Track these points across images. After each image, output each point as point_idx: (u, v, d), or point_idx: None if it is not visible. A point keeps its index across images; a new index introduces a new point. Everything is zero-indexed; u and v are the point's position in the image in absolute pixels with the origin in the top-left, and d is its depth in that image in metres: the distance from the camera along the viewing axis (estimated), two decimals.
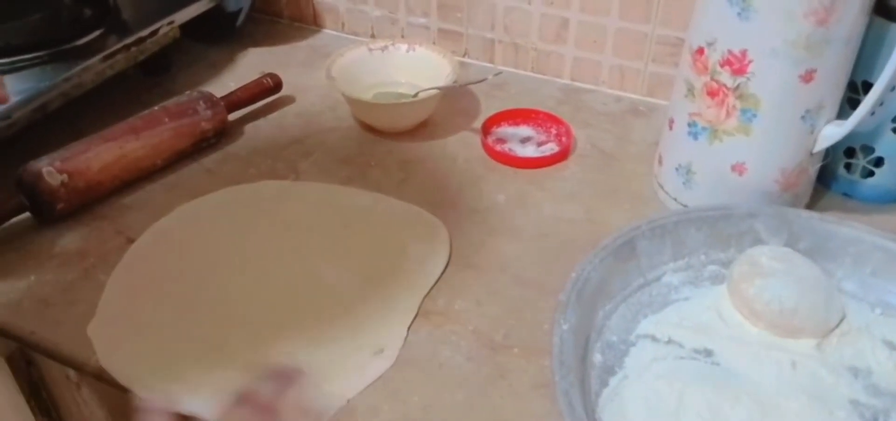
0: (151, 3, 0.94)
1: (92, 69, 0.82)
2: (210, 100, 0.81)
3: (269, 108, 0.90)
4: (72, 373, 0.66)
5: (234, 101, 0.86)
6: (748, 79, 0.62)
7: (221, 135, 0.83)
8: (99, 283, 0.64)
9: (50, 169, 0.69)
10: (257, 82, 0.89)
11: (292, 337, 0.59)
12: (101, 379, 0.58)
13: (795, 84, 0.61)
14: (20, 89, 0.76)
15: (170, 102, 0.80)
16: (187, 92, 0.82)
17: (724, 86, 0.63)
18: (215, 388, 0.55)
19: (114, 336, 0.59)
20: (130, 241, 0.68)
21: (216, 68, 0.97)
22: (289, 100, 0.92)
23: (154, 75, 0.93)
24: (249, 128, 0.86)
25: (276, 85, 0.90)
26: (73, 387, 0.68)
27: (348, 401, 0.55)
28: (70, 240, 0.69)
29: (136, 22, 0.89)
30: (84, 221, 0.70)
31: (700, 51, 0.64)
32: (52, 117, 0.78)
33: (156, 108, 0.78)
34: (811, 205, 0.73)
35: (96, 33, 0.86)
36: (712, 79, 0.64)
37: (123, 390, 0.57)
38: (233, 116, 0.88)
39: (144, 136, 0.75)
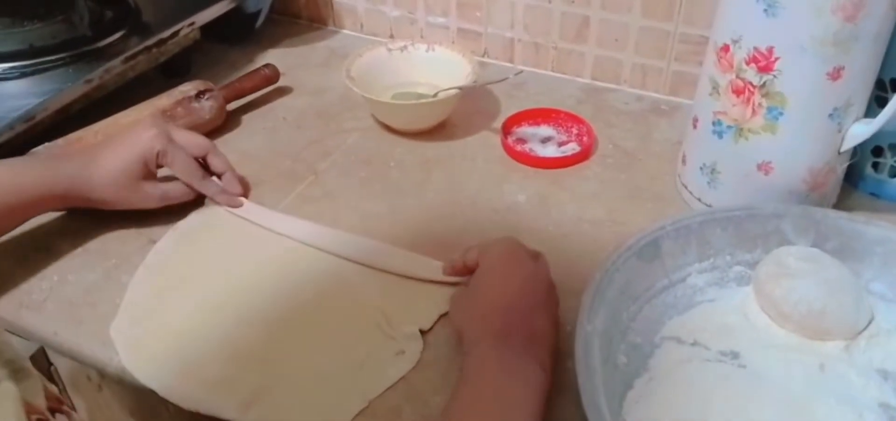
0: (172, 5, 0.94)
1: (113, 71, 0.82)
2: (208, 89, 0.83)
3: (288, 109, 0.90)
4: (93, 374, 0.66)
5: (233, 91, 0.87)
6: (775, 76, 0.61)
7: (221, 125, 0.85)
8: (121, 284, 0.64)
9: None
10: (255, 73, 0.91)
11: (314, 337, 0.59)
12: (123, 380, 0.58)
13: (823, 81, 0.60)
14: (43, 91, 0.77)
15: (165, 94, 0.81)
16: (184, 83, 0.83)
17: (750, 84, 0.62)
18: (236, 388, 0.55)
19: (136, 337, 0.59)
20: (152, 241, 0.69)
21: (236, 69, 0.97)
22: (307, 101, 0.92)
23: (174, 76, 0.93)
24: (268, 129, 0.86)
25: (274, 75, 0.92)
26: (94, 388, 0.68)
27: (369, 402, 0.54)
28: (92, 240, 0.69)
29: (157, 23, 0.90)
30: (105, 222, 0.71)
31: (725, 48, 0.63)
32: (74, 118, 0.78)
33: (154, 99, 0.80)
34: (838, 204, 0.72)
35: (118, 35, 0.87)
36: (738, 76, 0.63)
37: (145, 391, 0.57)
38: (249, 115, 0.88)
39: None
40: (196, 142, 0.71)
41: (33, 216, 0.67)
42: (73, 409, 0.44)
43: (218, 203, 0.72)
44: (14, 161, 0.67)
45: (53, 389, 0.44)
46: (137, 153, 0.66)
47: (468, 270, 0.59)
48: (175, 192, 0.70)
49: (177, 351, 0.58)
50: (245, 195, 0.74)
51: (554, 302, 0.57)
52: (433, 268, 0.64)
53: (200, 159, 0.72)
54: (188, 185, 0.71)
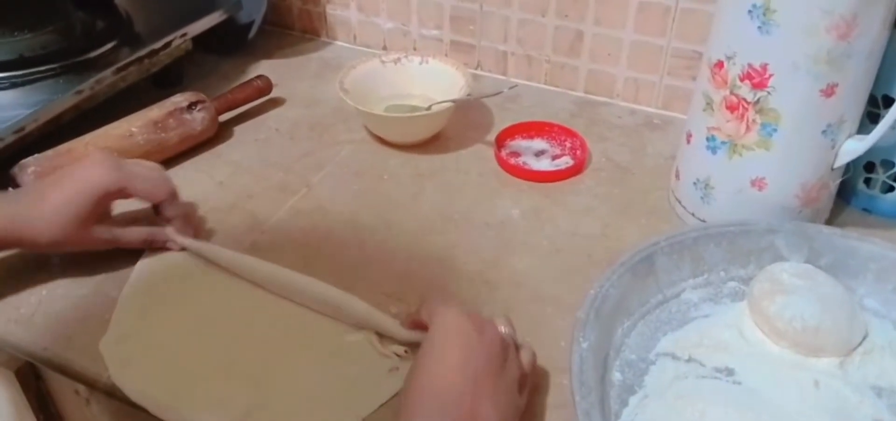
0: (164, 16, 0.94)
1: (104, 81, 0.82)
2: (200, 100, 0.82)
3: (281, 121, 0.90)
4: (81, 388, 0.66)
5: (225, 102, 0.87)
6: (769, 93, 0.61)
7: (213, 137, 0.84)
8: (111, 298, 0.63)
9: (20, 167, 0.71)
10: (247, 84, 0.90)
11: (306, 354, 0.58)
12: (113, 395, 0.57)
13: (816, 98, 0.60)
14: (33, 101, 0.76)
15: (156, 105, 0.80)
16: (176, 95, 0.82)
17: (744, 100, 0.62)
18: (228, 405, 0.54)
19: (125, 354, 0.58)
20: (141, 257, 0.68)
21: (228, 80, 0.97)
22: (300, 113, 0.92)
23: (166, 87, 0.92)
24: (261, 140, 0.86)
25: (266, 87, 0.91)
26: (82, 402, 0.67)
27: (362, 420, 0.54)
28: (81, 254, 0.68)
29: (148, 34, 0.89)
30: None
31: (719, 64, 0.63)
32: (65, 129, 0.77)
33: (145, 110, 0.80)
34: (830, 220, 0.72)
35: (109, 46, 0.86)
36: (732, 93, 0.63)
37: (134, 407, 0.56)
38: (242, 127, 0.88)
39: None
40: (153, 175, 0.66)
41: None
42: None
43: (180, 234, 0.67)
44: None
45: None
46: (91, 190, 0.61)
47: (424, 327, 0.54)
48: (128, 237, 0.66)
49: (168, 368, 0.57)
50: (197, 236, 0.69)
51: (506, 378, 0.50)
52: (391, 324, 0.58)
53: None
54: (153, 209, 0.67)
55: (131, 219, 0.69)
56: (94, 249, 0.65)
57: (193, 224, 0.70)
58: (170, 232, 0.67)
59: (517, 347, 0.53)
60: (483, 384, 0.47)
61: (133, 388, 0.56)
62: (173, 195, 0.67)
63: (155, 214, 0.68)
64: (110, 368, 0.57)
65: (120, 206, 0.68)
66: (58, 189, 0.61)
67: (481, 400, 0.47)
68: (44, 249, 0.63)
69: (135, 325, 0.61)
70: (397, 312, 0.58)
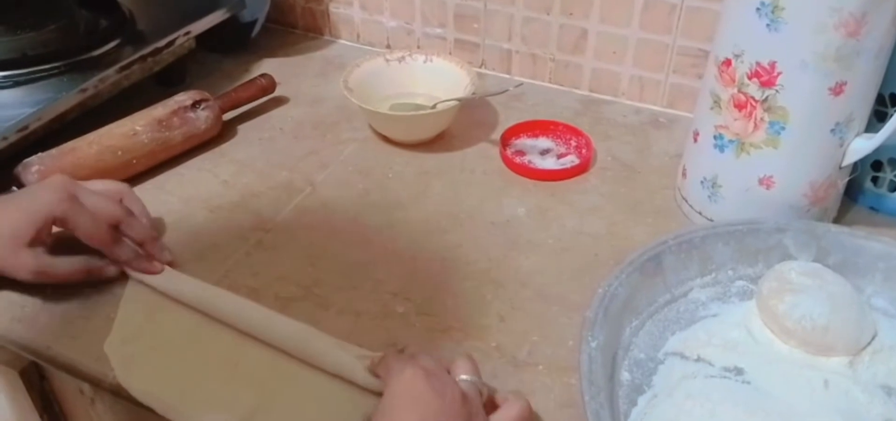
0: (167, 14, 0.93)
1: (108, 80, 0.82)
2: (204, 99, 0.82)
3: (285, 120, 0.90)
4: (86, 387, 0.65)
5: (229, 101, 0.86)
6: (777, 91, 0.60)
7: (217, 135, 0.84)
8: (115, 296, 0.63)
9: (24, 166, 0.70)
10: (251, 83, 0.90)
11: (309, 353, 0.58)
12: (118, 395, 0.57)
13: (825, 97, 0.60)
14: (36, 100, 0.76)
15: (160, 104, 0.80)
16: (180, 93, 0.82)
17: (752, 98, 0.62)
18: (233, 406, 0.54)
19: (130, 354, 0.58)
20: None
21: (232, 79, 0.96)
22: (304, 111, 0.91)
23: (170, 86, 0.92)
24: (265, 139, 0.86)
25: (270, 85, 0.91)
26: (86, 401, 0.67)
27: (369, 418, 0.53)
28: (86, 253, 0.68)
29: (151, 32, 0.89)
30: None
31: (727, 62, 0.63)
32: (69, 128, 0.77)
33: (149, 109, 0.79)
34: (838, 218, 0.72)
35: (112, 44, 0.86)
36: (740, 91, 0.63)
37: (140, 407, 0.56)
38: (245, 126, 0.88)
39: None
40: (107, 208, 0.62)
41: None
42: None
43: (133, 271, 0.63)
44: None
45: None
46: (30, 215, 0.58)
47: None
48: (58, 270, 0.61)
49: (173, 368, 0.57)
50: (171, 265, 0.65)
51: None
52: (354, 367, 0.54)
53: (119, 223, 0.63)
54: (97, 250, 0.63)
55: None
56: (21, 279, 0.61)
57: (150, 253, 0.64)
58: (125, 254, 0.63)
59: (482, 393, 0.50)
60: None
61: (139, 388, 0.56)
62: (128, 215, 0.64)
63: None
64: (116, 368, 0.57)
65: None
66: (1, 210, 0.59)
67: None
68: None
69: (140, 325, 0.61)
70: (361, 356, 0.54)
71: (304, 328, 0.58)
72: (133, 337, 0.60)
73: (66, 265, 0.62)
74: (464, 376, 0.50)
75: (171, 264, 0.65)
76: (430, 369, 0.48)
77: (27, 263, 0.60)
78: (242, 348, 0.59)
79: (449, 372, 0.50)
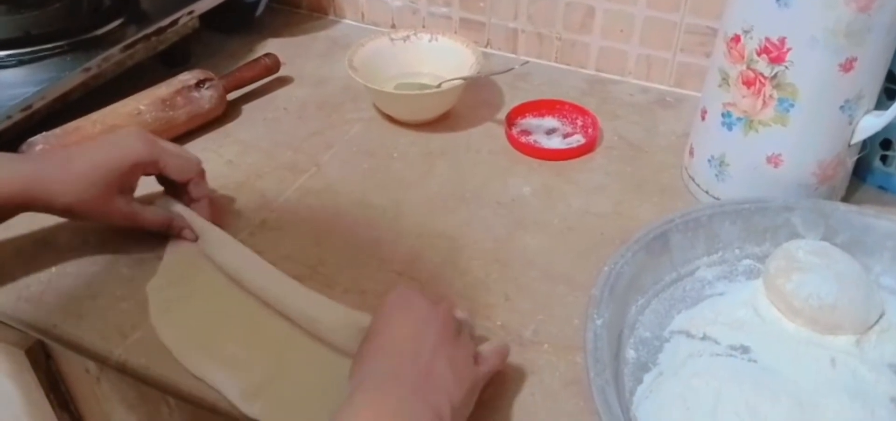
0: None
1: (112, 59, 0.81)
2: (208, 78, 0.82)
3: (289, 99, 0.89)
4: (91, 366, 0.66)
5: (233, 81, 0.86)
6: (786, 68, 0.60)
7: (221, 115, 0.84)
8: (122, 276, 0.63)
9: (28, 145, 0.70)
10: (255, 62, 0.89)
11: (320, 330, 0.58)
12: (124, 372, 0.57)
13: (835, 73, 0.59)
14: (40, 79, 0.75)
15: (164, 84, 0.80)
16: (184, 73, 0.81)
17: (761, 75, 0.61)
18: (245, 372, 0.55)
19: (169, 299, 0.60)
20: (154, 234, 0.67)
21: (235, 59, 0.96)
22: (309, 91, 0.91)
23: (174, 66, 0.92)
24: (269, 119, 0.85)
25: (274, 65, 0.90)
26: (92, 380, 0.67)
27: None
28: (92, 232, 0.68)
29: (155, 12, 0.89)
30: None
31: (736, 39, 0.62)
32: (73, 107, 0.77)
33: (153, 88, 0.79)
34: (846, 197, 0.72)
35: (116, 23, 0.86)
36: (748, 68, 0.62)
37: (144, 383, 0.56)
38: (250, 106, 0.87)
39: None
40: (191, 156, 0.66)
41: None
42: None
43: (198, 214, 0.66)
44: None
45: None
46: (121, 159, 0.60)
47: None
48: (149, 217, 0.64)
49: (200, 322, 0.59)
50: (219, 223, 0.66)
51: (461, 348, 0.49)
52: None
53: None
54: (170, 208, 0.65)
55: (149, 202, 0.67)
56: (109, 223, 0.64)
57: (215, 209, 0.68)
58: (189, 215, 0.65)
59: (473, 336, 0.53)
60: (438, 347, 0.47)
61: (167, 333, 0.57)
62: (202, 174, 0.67)
63: (176, 195, 0.67)
64: (152, 309, 0.59)
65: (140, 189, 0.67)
66: (87, 154, 0.60)
67: (437, 359, 0.47)
68: (58, 210, 0.61)
69: (182, 273, 0.63)
70: None
71: (322, 303, 0.58)
72: (175, 282, 0.62)
73: (153, 215, 0.65)
74: (458, 313, 0.52)
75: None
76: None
77: (120, 207, 0.62)
78: (265, 316, 0.59)
79: None
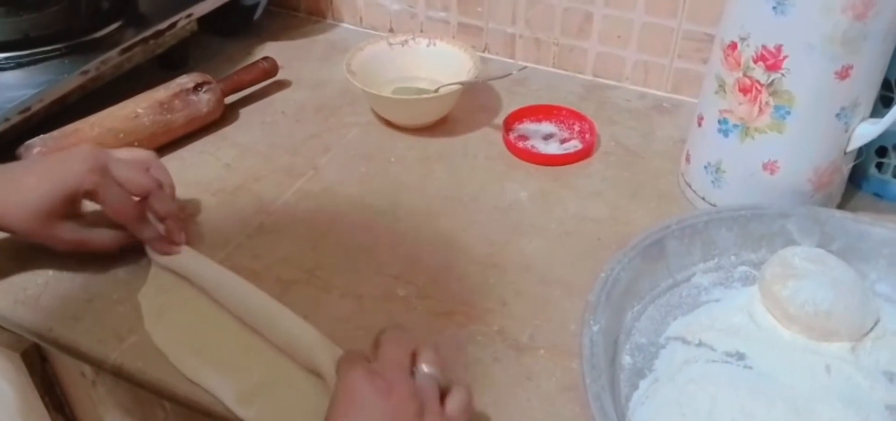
0: None
1: (110, 62, 0.81)
2: (206, 82, 0.82)
3: (287, 103, 0.89)
4: (87, 370, 0.65)
5: (231, 84, 0.86)
6: (783, 75, 0.60)
7: (219, 119, 0.84)
8: (118, 279, 0.63)
9: (25, 148, 0.70)
10: (253, 66, 0.89)
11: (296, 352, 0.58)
12: (119, 375, 0.57)
13: (831, 81, 0.59)
14: (38, 82, 0.75)
15: (162, 87, 0.80)
16: (182, 76, 0.81)
17: (758, 82, 0.61)
18: (238, 375, 0.55)
19: (160, 305, 0.60)
20: None
21: (234, 62, 0.96)
22: (306, 95, 0.91)
23: (172, 69, 0.92)
24: (267, 123, 0.85)
25: (272, 68, 0.90)
26: (87, 384, 0.67)
27: None
28: None
29: (153, 15, 0.89)
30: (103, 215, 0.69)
31: (733, 46, 0.62)
32: (71, 110, 0.77)
33: (151, 91, 0.79)
34: (842, 204, 0.72)
35: (114, 26, 0.86)
36: (745, 75, 0.62)
37: (140, 387, 0.56)
38: (248, 109, 0.87)
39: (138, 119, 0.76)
40: (137, 180, 0.61)
41: None
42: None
43: (153, 250, 0.63)
44: None
45: None
46: (61, 186, 0.58)
47: None
48: (95, 241, 0.62)
49: (195, 327, 0.59)
50: (188, 243, 0.64)
51: None
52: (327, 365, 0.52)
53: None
54: (122, 226, 0.62)
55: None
56: (59, 249, 0.62)
57: (180, 230, 0.64)
58: (147, 248, 0.63)
59: (442, 388, 0.48)
60: None
61: (161, 338, 0.57)
62: (160, 186, 0.63)
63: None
64: (145, 316, 0.59)
65: None
66: (32, 177, 0.59)
67: None
68: (5, 230, 0.60)
69: (172, 280, 0.62)
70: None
71: (296, 324, 0.56)
72: (165, 288, 0.62)
73: (101, 237, 0.63)
74: (424, 367, 0.48)
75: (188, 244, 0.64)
76: (376, 370, 0.46)
77: (64, 237, 0.60)
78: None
79: (414, 354, 0.49)
